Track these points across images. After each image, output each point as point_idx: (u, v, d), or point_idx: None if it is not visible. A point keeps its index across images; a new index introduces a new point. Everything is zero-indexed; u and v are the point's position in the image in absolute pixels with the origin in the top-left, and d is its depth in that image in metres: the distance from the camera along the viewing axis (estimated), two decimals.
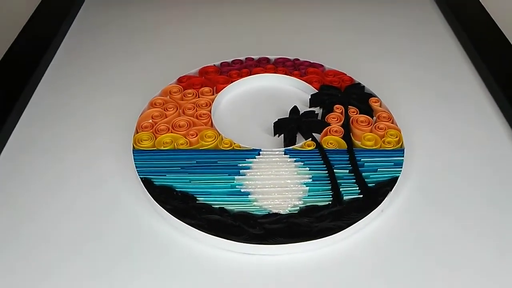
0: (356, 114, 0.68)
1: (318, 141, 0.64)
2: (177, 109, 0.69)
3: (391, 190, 0.58)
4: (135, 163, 0.61)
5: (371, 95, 0.72)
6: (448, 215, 0.57)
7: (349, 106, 0.69)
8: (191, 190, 0.58)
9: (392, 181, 0.59)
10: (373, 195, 0.57)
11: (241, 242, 0.52)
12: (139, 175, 0.59)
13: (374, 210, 0.56)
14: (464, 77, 0.80)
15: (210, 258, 0.53)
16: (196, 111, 0.69)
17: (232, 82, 0.75)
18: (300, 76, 0.76)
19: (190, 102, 0.70)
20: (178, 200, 0.56)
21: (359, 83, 0.74)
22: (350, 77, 0.76)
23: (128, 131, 0.66)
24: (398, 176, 0.59)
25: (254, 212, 0.55)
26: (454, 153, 0.66)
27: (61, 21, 0.90)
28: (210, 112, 0.69)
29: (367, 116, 0.68)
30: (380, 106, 0.70)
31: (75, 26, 0.92)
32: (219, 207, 0.56)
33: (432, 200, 0.59)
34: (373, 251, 0.53)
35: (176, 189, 0.58)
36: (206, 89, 0.73)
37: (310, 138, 0.65)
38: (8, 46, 0.82)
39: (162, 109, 0.69)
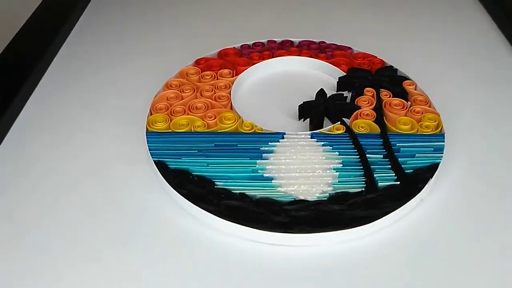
0: (389, 97, 0.62)
1: (348, 124, 0.59)
2: (194, 91, 0.64)
3: (431, 177, 0.51)
4: (148, 145, 0.56)
5: (405, 78, 0.66)
6: (494, 206, 0.51)
7: (381, 89, 0.64)
8: (208, 174, 0.52)
9: (433, 168, 0.52)
10: (412, 182, 0.51)
11: (264, 230, 0.47)
12: (152, 157, 0.54)
13: (413, 199, 0.49)
14: (503, 59, 0.73)
15: (229, 247, 0.47)
16: (215, 93, 0.64)
17: (253, 64, 0.70)
18: (326, 59, 0.71)
19: (208, 84, 0.65)
20: (194, 185, 0.51)
21: (391, 66, 0.68)
22: (381, 60, 0.70)
23: (142, 114, 0.62)
24: (439, 162, 0.53)
25: (278, 199, 0.50)
26: (500, 140, 0.59)
27: (75, 5, 0.86)
28: (230, 95, 0.64)
29: (402, 100, 0.62)
30: (415, 89, 0.64)
31: (92, 5, 0.89)
32: (240, 193, 0.50)
33: (476, 190, 0.53)
34: (411, 245, 0.47)
35: (193, 173, 0.53)
36: (226, 71, 0.68)
37: (339, 122, 0.59)
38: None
39: (178, 90, 0.64)
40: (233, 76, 0.68)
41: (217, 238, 0.48)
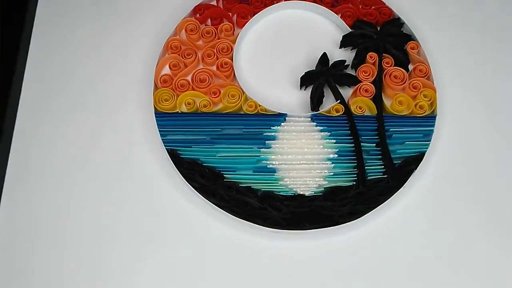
0: (391, 65, 0.63)
1: (347, 102, 0.61)
2: (195, 55, 0.64)
3: (415, 169, 0.58)
4: (159, 131, 0.59)
5: (410, 37, 0.65)
6: (475, 199, 0.58)
7: (383, 55, 0.63)
8: (217, 165, 0.58)
9: (419, 158, 0.58)
10: (398, 175, 0.58)
11: (267, 227, 0.56)
12: (165, 146, 0.59)
13: (397, 193, 0.57)
14: None
15: (236, 240, 0.56)
16: (217, 58, 0.64)
17: (254, 13, 0.66)
18: (331, 7, 0.67)
19: (209, 47, 0.64)
20: (206, 178, 0.58)
21: (399, 18, 0.66)
22: (390, 9, 0.66)
23: (145, 75, 0.64)
24: (425, 151, 0.59)
25: (280, 193, 0.57)
26: (494, 123, 0.62)
27: None
28: (232, 60, 0.63)
29: (402, 70, 0.62)
30: (418, 54, 0.64)
31: None
32: (246, 186, 0.58)
33: (460, 182, 0.59)
34: (394, 236, 0.57)
35: (203, 164, 0.58)
36: (226, 26, 0.65)
37: (339, 101, 0.61)
38: None
39: (179, 55, 0.64)
40: (233, 32, 0.65)
41: (226, 231, 0.57)
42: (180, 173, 0.58)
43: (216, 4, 0.68)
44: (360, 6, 0.67)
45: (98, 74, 0.65)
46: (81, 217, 0.58)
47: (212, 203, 0.57)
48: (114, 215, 0.58)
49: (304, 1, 0.67)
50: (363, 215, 0.56)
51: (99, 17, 0.69)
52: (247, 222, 0.56)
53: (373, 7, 0.67)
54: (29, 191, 0.59)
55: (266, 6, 0.67)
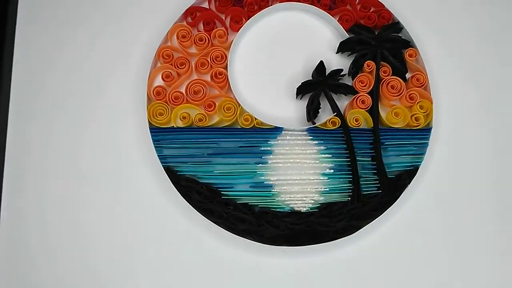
0: (388, 75, 0.62)
1: (343, 114, 0.61)
2: (189, 64, 0.62)
3: (409, 184, 0.59)
4: (154, 147, 0.59)
5: (409, 43, 0.63)
6: (468, 214, 0.60)
7: (381, 63, 0.62)
8: (215, 182, 0.59)
9: (412, 172, 0.59)
10: (391, 190, 0.59)
11: (265, 243, 0.58)
12: (161, 162, 0.59)
13: (390, 208, 0.59)
14: None
15: (233, 256, 0.59)
16: (211, 67, 0.62)
17: (249, 16, 0.64)
18: (329, 9, 0.64)
19: (202, 56, 0.62)
20: (203, 196, 0.58)
21: (398, 23, 0.64)
22: (389, 12, 0.64)
23: (137, 86, 0.63)
24: (419, 165, 0.60)
25: (277, 209, 0.59)
26: (488, 134, 0.63)
27: None
28: (226, 70, 0.62)
29: (399, 80, 0.61)
30: (416, 62, 0.63)
31: None
32: (243, 203, 0.59)
33: (453, 195, 0.61)
34: (388, 250, 0.59)
35: (200, 181, 0.59)
36: (220, 31, 0.62)
37: (335, 113, 0.61)
38: None
39: (172, 65, 0.62)
40: (227, 38, 0.63)
41: (224, 248, 0.59)
42: (178, 190, 0.58)
43: (208, 7, 0.64)
44: (358, 8, 0.64)
45: (92, 86, 0.63)
46: (77, 231, 0.59)
47: (210, 220, 0.58)
48: (110, 231, 0.59)
49: (300, 3, 0.64)
50: (358, 230, 0.58)
51: (87, 23, 0.66)
52: (245, 239, 0.58)
53: (372, 10, 0.64)
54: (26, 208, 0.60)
55: (260, 8, 0.64)
